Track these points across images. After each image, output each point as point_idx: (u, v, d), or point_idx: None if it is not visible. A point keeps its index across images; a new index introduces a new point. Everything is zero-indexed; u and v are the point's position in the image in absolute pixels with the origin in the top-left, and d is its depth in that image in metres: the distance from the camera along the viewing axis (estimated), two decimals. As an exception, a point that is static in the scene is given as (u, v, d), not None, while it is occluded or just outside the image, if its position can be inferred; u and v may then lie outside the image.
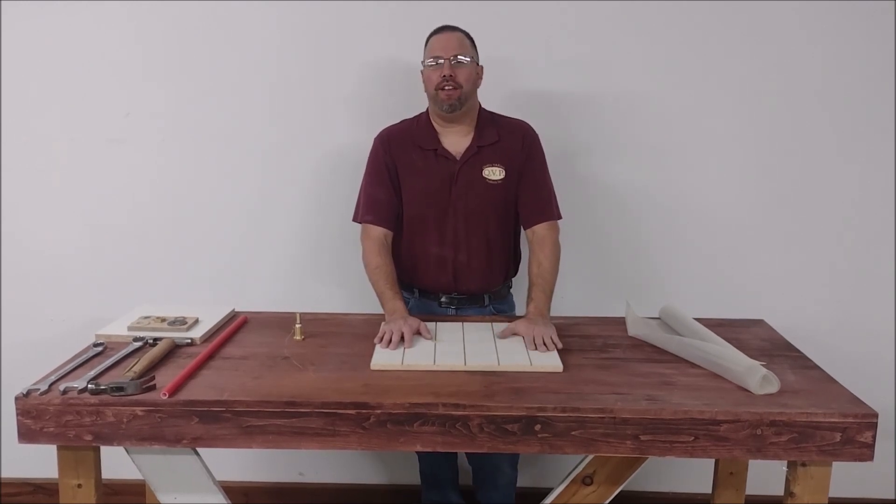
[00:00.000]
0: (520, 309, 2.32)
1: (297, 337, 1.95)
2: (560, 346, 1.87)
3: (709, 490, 2.25)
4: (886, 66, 2.35)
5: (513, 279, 2.30)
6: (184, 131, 2.46)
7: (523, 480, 2.42)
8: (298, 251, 2.53)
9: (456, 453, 2.37)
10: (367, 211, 2.12)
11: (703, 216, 2.48)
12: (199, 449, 1.68)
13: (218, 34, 2.39)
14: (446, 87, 1.99)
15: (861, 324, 2.50)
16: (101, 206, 2.50)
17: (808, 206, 2.45)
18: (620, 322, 2.08)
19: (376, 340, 1.90)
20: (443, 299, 2.17)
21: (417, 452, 2.36)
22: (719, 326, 2.00)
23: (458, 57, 1.99)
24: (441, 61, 2.00)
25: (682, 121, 2.42)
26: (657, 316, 2.13)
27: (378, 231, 2.10)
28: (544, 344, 1.86)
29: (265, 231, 2.52)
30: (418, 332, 1.93)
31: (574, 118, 2.40)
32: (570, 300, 2.44)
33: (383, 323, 1.98)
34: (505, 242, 2.18)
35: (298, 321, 1.96)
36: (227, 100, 2.43)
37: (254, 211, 2.50)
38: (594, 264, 2.50)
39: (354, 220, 2.16)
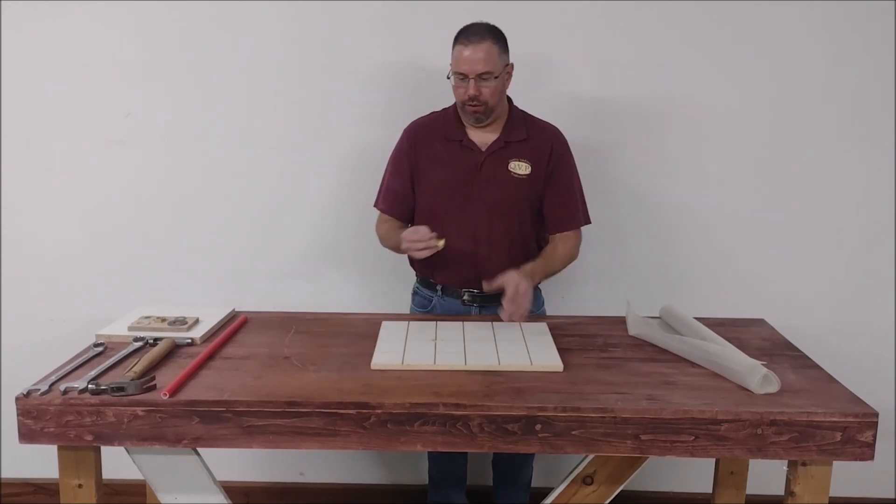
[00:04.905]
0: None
1: (440, 244, 1.93)
2: (520, 320, 1.94)
3: (709, 490, 2.25)
4: (887, 67, 2.35)
5: None
6: (184, 132, 2.46)
7: (524, 480, 2.43)
8: (298, 252, 2.53)
9: (466, 456, 2.37)
10: (383, 199, 2.18)
11: (704, 215, 2.48)
12: (199, 449, 1.68)
13: (219, 33, 2.39)
14: (472, 104, 1.99)
15: (861, 324, 2.50)
16: (100, 207, 2.50)
17: (809, 206, 2.45)
18: (621, 321, 2.08)
19: (409, 246, 1.94)
20: (465, 297, 2.16)
21: (429, 453, 2.36)
22: (720, 326, 2.00)
23: (484, 75, 1.96)
24: (467, 80, 1.97)
25: (681, 121, 2.42)
26: (657, 315, 2.13)
27: (390, 220, 2.16)
28: (511, 317, 1.92)
29: (265, 231, 2.52)
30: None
31: (574, 117, 2.40)
32: (571, 300, 2.44)
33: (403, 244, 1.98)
34: (527, 239, 2.15)
35: (441, 243, 1.94)
36: (227, 101, 2.43)
37: (253, 211, 2.50)
38: (594, 264, 2.50)
39: (375, 205, 2.21)
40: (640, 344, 1.95)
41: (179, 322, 1.98)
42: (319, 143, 2.46)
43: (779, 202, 2.46)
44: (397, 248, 2.07)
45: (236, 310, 2.19)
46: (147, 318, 2.01)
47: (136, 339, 1.89)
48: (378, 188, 2.20)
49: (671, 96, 2.40)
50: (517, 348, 1.86)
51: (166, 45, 2.40)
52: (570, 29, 2.37)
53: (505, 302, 1.92)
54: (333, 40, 2.39)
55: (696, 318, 2.00)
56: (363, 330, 2.01)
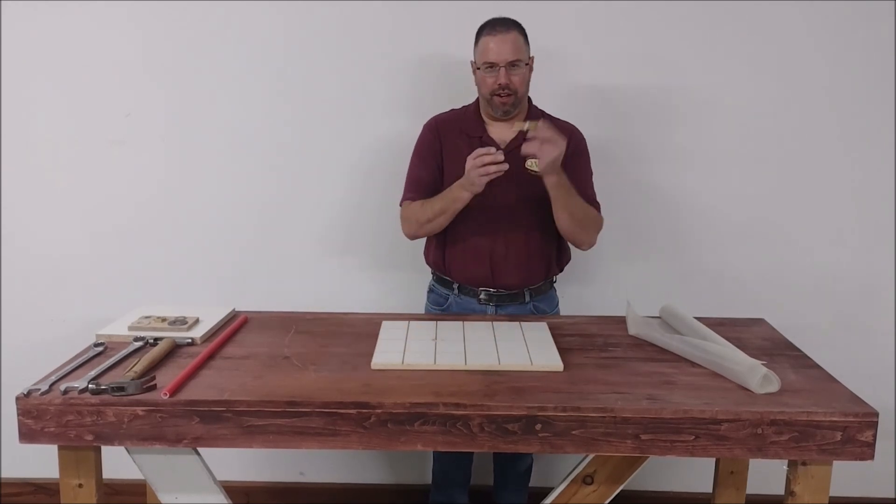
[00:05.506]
0: (564, 308, 2.32)
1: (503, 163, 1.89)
2: (548, 158, 1.85)
3: (709, 489, 2.25)
4: (887, 68, 2.35)
5: (557, 276, 2.27)
6: (184, 132, 2.46)
7: (524, 480, 2.43)
8: (298, 251, 2.53)
9: (471, 457, 2.37)
10: (411, 189, 2.14)
11: (704, 215, 2.48)
12: (199, 449, 1.68)
13: (218, 32, 2.40)
14: (502, 94, 1.99)
15: (861, 323, 2.50)
16: (101, 207, 2.50)
17: (809, 205, 2.46)
18: (621, 321, 2.08)
19: (475, 163, 1.86)
20: (482, 296, 2.15)
21: (434, 452, 2.36)
22: (720, 325, 2.00)
23: (514, 63, 1.97)
24: (496, 69, 1.97)
25: (682, 120, 2.42)
26: (658, 315, 2.13)
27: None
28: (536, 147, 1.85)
29: (265, 231, 2.52)
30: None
31: (574, 114, 2.40)
32: (571, 299, 2.44)
33: (467, 185, 1.92)
34: (545, 237, 2.14)
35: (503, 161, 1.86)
36: (226, 100, 2.44)
37: (254, 211, 2.51)
38: (594, 264, 2.50)
39: (401, 202, 2.16)
40: (640, 344, 1.95)
41: (179, 322, 1.98)
42: (319, 143, 2.46)
43: (779, 202, 2.46)
44: (442, 211, 2.01)
45: (236, 310, 2.19)
46: (147, 317, 2.01)
47: (137, 339, 1.89)
48: (403, 185, 2.16)
49: (672, 97, 2.40)
50: (517, 348, 1.86)
51: (166, 45, 2.41)
52: (577, 23, 2.37)
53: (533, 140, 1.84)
54: (334, 39, 2.39)
55: (696, 318, 2.00)
56: (363, 330, 2.00)
